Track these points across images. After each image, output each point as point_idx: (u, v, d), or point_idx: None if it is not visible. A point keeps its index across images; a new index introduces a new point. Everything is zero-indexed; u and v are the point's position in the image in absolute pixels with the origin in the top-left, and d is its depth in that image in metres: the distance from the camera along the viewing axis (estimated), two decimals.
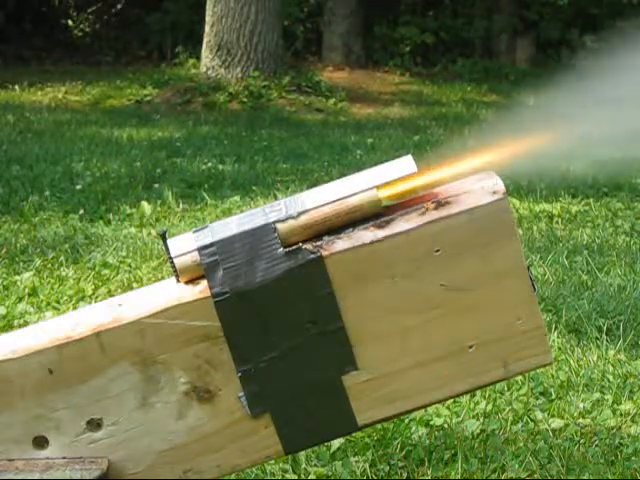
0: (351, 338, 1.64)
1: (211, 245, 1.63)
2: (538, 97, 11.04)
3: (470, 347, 1.65)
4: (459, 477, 2.42)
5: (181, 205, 5.70)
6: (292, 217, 1.62)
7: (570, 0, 14.31)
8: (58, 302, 3.80)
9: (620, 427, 2.70)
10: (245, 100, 11.38)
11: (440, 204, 1.63)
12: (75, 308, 3.55)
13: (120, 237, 4.87)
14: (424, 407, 1.73)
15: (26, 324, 3.33)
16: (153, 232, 4.97)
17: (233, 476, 1.80)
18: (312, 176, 6.80)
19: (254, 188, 6.31)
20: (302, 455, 2.46)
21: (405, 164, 1.64)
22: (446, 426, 2.67)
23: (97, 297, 3.82)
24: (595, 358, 3.20)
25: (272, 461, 2.37)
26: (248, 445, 1.67)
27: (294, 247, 1.62)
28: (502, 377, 1.70)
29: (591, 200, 5.99)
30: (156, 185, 6.30)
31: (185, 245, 1.65)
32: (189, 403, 1.66)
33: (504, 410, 2.77)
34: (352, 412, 1.66)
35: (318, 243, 1.63)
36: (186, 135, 9.08)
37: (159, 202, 5.73)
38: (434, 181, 1.63)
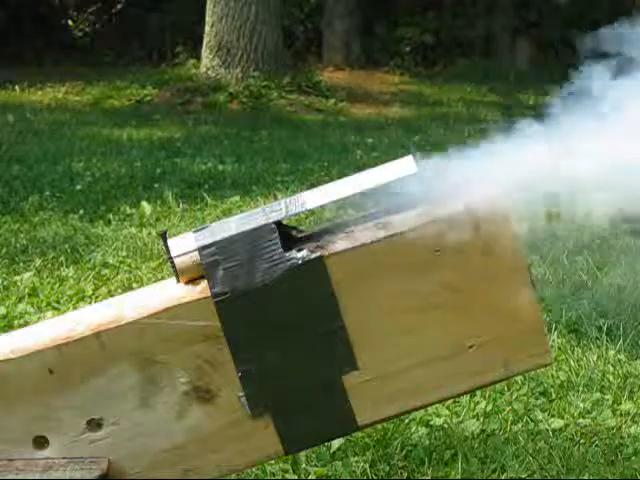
0: (351, 338, 1.63)
1: (211, 245, 1.63)
2: (538, 97, 11.03)
3: (470, 347, 1.65)
4: (459, 477, 2.42)
5: (181, 205, 5.70)
6: None
7: (570, 0, 14.29)
8: (58, 302, 3.80)
9: (620, 427, 2.70)
10: (245, 100, 11.37)
11: (440, 204, 1.63)
12: (75, 308, 3.54)
13: (120, 237, 4.87)
14: (424, 407, 1.73)
15: (26, 324, 3.33)
16: (153, 232, 4.96)
17: (233, 476, 1.80)
18: (312, 176, 6.79)
19: (254, 188, 6.31)
20: (302, 455, 2.46)
21: (405, 164, 1.64)
22: (446, 426, 2.67)
23: (97, 297, 3.82)
24: (595, 358, 3.20)
25: (272, 461, 2.36)
26: (248, 445, 1.67)
27: (294, 247, 1.62)
28: (502, 377, 1.70)
29: None
30: (156, 185, 6.30)
31: (185, 245, 1.65)
32: (189, 403, 1.65)
33: (504, 410, 2.77)
34: (352, 412, 1.66)
35: (318, 243, 1.63)
36: (186, 135, 9.07)
37: (159, 202, 5.73)
38: None
